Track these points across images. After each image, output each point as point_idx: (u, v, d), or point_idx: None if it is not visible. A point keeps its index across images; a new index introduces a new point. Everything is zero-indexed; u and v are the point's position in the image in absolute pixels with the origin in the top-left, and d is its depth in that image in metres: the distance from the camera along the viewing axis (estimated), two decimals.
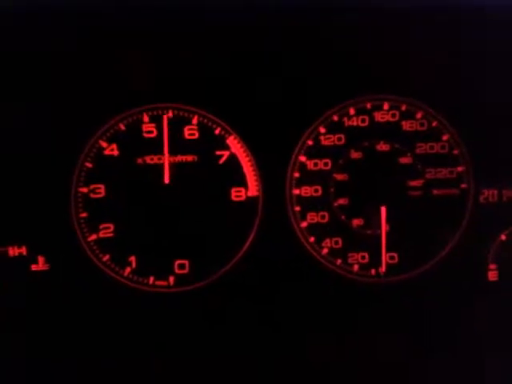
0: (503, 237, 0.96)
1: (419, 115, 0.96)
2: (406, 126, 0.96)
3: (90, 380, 0.91)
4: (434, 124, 0.96)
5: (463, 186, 0.97)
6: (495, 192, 0.97)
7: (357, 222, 0.96)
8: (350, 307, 0.96)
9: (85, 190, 0.91)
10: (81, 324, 0.91)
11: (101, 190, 0.91)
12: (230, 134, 0.94)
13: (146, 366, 0.92)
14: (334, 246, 0.96)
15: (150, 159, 0.92)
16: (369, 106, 0.96)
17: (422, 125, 0.96)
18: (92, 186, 0.91)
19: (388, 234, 0.95)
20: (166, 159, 0.92)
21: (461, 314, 0.96)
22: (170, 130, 0.93)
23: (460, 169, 0.97)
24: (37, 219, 0.89)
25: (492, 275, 0.96)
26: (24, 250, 0.88)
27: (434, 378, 0.94)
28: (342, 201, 0.96)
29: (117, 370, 0.92)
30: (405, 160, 0.96)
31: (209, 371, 0.92)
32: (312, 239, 0.96)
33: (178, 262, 0.93)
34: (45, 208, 0.89)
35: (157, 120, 0.93)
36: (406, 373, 0.93)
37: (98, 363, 0.91)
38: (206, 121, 0.94)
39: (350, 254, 0.96)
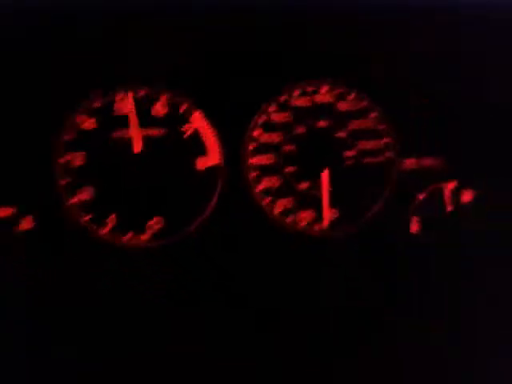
0: (421, 196, 1.17)
1: (351, 97, 1.16)
2: (341, 106, 1.16)
3: (76, 340, 1.01)
4: (364, 104, 1.17)
5: (388, 155, 1.17)
6: (414, 160, 1.18)
7: (304, 185, 1.13)
8: (299, 259, 1.12)
9: (66, 158, 1.03)
10: (65, 281, 1.01)
11: (80, 159, 1.03)
12: (194, 111, 1.09)
13: (125, 318, 1.03)
14: (286, 206, 1.13)
15: (123, 133, 1.05)
16: (310, 88, 1.14)
17: (353, 105, 1.16)
18: (72, 155, 1.03)
19: (330, 195, 1.13)
20: (137, 132, 1.06)
21: (395, 264, 1.14)
22: (140, 106, 1.07)
23: (385, 141, 1.17)
24: (24, 184, 0.99)
25: (414, 227, 1.16)
26: (12, 211, 0.98)
27: (370, 325, 1.11)
28: (290, 168, 1.12)
29: (100, 326, 1.02)
30: (340, 134, 1.15)
31: (180, 321, 1.05)
32: (266, 200, 1.12)
33: (152, 220, 1.06)
34: (30, 174, 1.00)
35: (129, 98, 1.06)
36: (346, 323, 1.10)
37: (83, 322, 1.01)
38: (173, 98, 1.08)
39: (299, 213, 1.13)
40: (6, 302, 0.98)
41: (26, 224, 0.98)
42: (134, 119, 1.05)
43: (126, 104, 1.05)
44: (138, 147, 1.05)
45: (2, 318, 0.98)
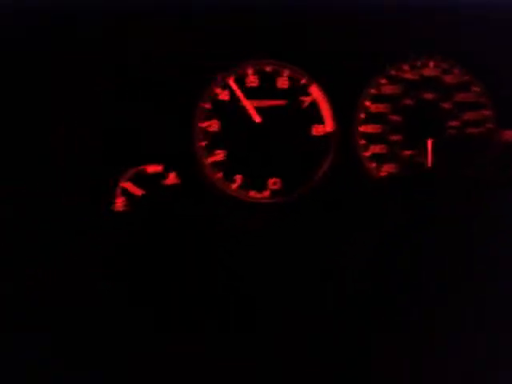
0: None
1: (456, 71, 1.24)
2: (447, 79, 1.24)
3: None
4: (467, 78, 1.24)
5: (489, 126, 1.25)
6: None
7: (408, 152, 1.24)
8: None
9: (204, 124, 1.20)
10: (195, 227, 1.19)
11: (216, 125, 1.20)
12: (312, 83, 1.22)
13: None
14: (391, 171, 1.25)
15: (253, 103, 1.20)
16: (419, 63, 1.24)
17: (458, 78, 1.24)
18: (209, 122, 1.20)
19: (433, 164, 1.23)
20: (249, 104, 1.20)
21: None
22: (265, 80, 1.21)
23: (486, 113, 1.25)
24: (170, 145, 1.18)
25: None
26: (159, 168, 1.17)
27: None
28: (396, 137, 1.24)
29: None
30: (446, 105, 1.24)
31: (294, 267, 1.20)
32: (373, 165, 1.24)
33: (272, 180, 1.22)
34: (176, 137, 1.18)
35: (257, 72, 1.21)
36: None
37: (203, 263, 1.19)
38: (294, 73, 1.21)
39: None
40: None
41: (171, 179, 1.17)
42: (239, 93, 1.20)
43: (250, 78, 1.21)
44: (255, 117, 1.20)
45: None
